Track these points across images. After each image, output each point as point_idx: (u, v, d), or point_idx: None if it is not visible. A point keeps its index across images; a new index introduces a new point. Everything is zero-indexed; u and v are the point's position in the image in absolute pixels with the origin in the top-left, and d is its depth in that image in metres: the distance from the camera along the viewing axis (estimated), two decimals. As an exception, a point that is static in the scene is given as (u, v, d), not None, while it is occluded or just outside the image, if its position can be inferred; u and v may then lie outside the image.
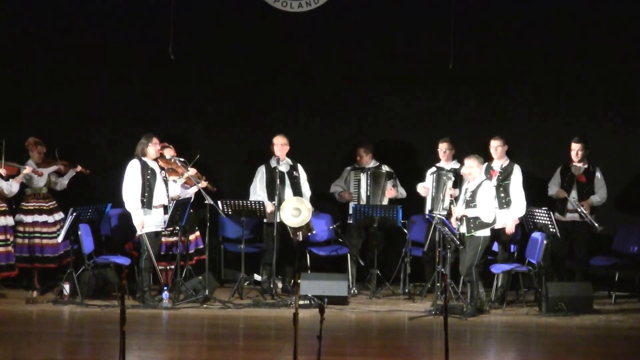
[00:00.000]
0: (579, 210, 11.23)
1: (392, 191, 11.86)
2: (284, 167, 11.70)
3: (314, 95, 12.47)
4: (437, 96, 12.38)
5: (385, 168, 11.94)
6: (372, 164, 11.99)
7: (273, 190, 11.51)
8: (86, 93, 12.41)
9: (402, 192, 11.98)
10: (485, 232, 10.61)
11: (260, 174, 11.72)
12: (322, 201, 12.18)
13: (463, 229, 10.62)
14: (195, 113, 12.46)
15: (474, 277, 10.56)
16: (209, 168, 11.85)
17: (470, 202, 10.60)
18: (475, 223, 10.54)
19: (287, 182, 11.65)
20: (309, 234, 11.65)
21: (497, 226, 10.80)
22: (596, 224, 11.13)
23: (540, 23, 12.15)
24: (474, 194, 10.60)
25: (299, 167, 11.82)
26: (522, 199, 11.11)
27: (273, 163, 11.66)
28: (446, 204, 11.37)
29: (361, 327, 10.41)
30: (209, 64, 12.44)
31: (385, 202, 11.85)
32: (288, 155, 11.73)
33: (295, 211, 11.45)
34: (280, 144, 11.65)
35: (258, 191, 11.66)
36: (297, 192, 11.66)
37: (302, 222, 11.46)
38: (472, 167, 10.64)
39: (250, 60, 12.41)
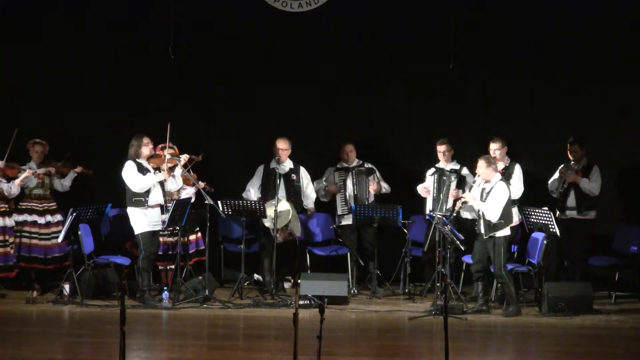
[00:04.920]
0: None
1: (375, 185, 11.85)
2: (282, 169, 11.70)
3: (314, 95, 12.48)
4: (437, 96, 12.38)
5: (367, 165, 11.94)
6: (356, 162, 12.00)
7: (268, 190, 11.54)
8: (86, 93, 12.41)
9: (386, 187, 11.97)
10: (505, 232, 10.60)
11: (259, 173, 11.78)
12: (322, 202, 12.16)
13: (482, 230, 10.64)
14: (195, 113, 12.46)
15: (506, 278, 10.56)
16: (209, 168, 11.84)
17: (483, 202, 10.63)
18: (490, 225, 10.54)
19: (282, 184, 11.63)
20: (290, 237, 11.58)
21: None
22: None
23: (540, 23, 12.15)
24: (488, 194, 10.60)
25: (302, 170, 11.81)
26: (521, 185, 11.16)
27: (273, 164, 11.68)
28: (449, 205, 11.38)
29: (361, 327, 10.41)
30: (209, 63, 12.44)
31: (371, 198, 11.85)
32: (291, 157, 11.75)
33: (281, 213, 11.42)
34: (280, 149, 11.68)
35: (250, 188, 11.73)
36: (290, 194, 11.65)
37: (280, 224, 11.42)
38: (480, 168, 10.65)
39: (250, 60, 12.41)
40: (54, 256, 11.45)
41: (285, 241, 11.53)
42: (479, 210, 10.70)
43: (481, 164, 10.68)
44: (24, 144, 11.48)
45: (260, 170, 11.79)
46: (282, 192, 11.64)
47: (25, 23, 12.38)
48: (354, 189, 11.89)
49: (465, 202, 10.82)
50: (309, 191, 11.84)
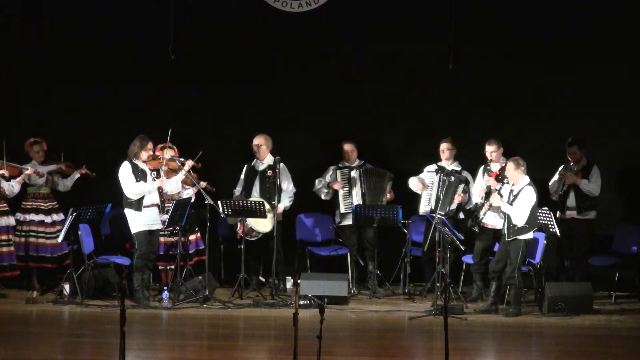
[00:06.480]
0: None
1: (391, 194, 11.86)
2: (260, 166, 11.71)
3: (314, 95, 12.47)
4: (437, 96, 12.38)
5: (368, 166, 11.92)
6: (357, 162, 11.98)
7: (247, 188, 11.66)
8: (86, 93, 12.41)
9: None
10: (527, 235, 10.59)
11: (243, 171, 11.82)
12: (322, 201, 12.15)
13: (505, 231, 10.63)
14: (195, 113, 12.47)
15: (517, 280, 10.55)
16: (209, 168, 11.84)
17: (510, 204, 10.62)
18: (514, 229, 10.53)
19: (258, 181, 11.64)
20: (253, 232, 11.53)
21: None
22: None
23: (540, 23, 12.15)
24: (515, 197, 10.59)
25: (281, 166, 11.67)
26: None
27: (254, 162, 11.73)
28: (453, 207, 11.36)
29: (361, 327, 10.40)
30: (208, 63, 12.44)
31: (384, 202, 11.85)
32: (280, 154, 11.75)
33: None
34: (255, 145, 11.68)
35: (237, 187, 11.78)
36: (265, 191, 11.61)
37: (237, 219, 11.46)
38: (508, 171, 10.63)
39: (250, 60, 12.41)
40: (59, 254, 11.47)
41: (247, 236, 11.45)
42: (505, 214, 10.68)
43: (510, 166, 10.63)
44: (22, 144, 11.49)
45: (245, 168, 11.83)
46: (256, 189, 11.65)
47: (25, 22, 12.38)
48: (361, 187, 11.87)
49: (491, 205, 10.81)
50: (286, 191, 11.72)
